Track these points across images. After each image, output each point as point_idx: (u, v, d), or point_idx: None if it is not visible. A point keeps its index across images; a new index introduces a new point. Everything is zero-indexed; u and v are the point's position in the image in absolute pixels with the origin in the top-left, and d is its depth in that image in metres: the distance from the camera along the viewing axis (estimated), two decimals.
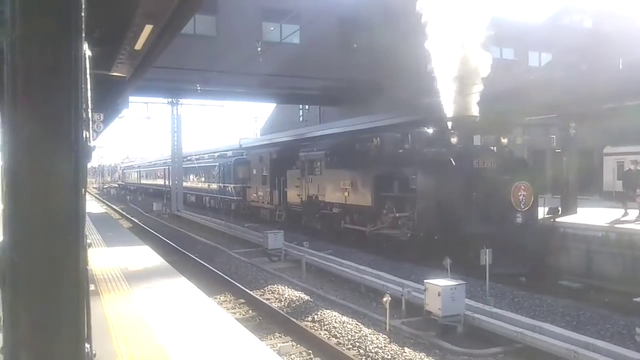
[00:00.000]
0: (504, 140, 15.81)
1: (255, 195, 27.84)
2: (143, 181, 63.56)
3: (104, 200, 52.78)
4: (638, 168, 16.17)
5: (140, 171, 67.63)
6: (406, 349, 8.27)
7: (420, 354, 8.07)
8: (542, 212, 15.48)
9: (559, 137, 18.51)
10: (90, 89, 2.10)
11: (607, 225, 14.24)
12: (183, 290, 8.37)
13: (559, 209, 16.48)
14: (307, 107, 38.60)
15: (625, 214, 15.40)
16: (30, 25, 1.37)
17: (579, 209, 17.45)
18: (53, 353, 1.30)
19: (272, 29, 24.43)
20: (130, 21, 5.97)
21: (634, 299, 11.46)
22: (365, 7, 27.62)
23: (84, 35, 1.50)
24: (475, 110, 15.55)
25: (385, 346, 8.42)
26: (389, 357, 7.98)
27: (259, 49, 19.64)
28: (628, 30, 33.15)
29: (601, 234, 13.94)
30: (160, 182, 50.89)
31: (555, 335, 8.09)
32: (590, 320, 10.11)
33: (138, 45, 7.14)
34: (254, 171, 27.98)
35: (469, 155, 14.88)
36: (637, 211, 15.33)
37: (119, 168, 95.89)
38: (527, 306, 11.08)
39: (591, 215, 16.12)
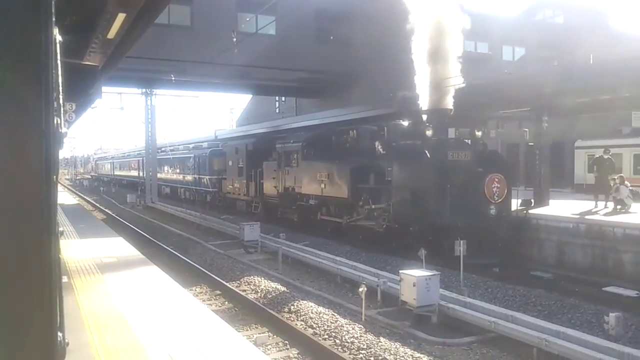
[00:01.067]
0: (478, 133, 16.00)
1: (231, 186, 27.70)
2: (117, 172, 62.72)
3: (77, 192, 51.94)
4: (608, 156, 16.42)
5: (113, 162, 66.70)
6: (381, 339, 8.35)
7: (396, 344, 8.15)
8: (515, 204, 15.71)
9: (532, 131, 18.78)
10: (62, 77, 2.06)
11: (577, 217, 14.53)
12: (158, 281, 8.30)
13: (532, 201, 16.75)
14: (283, 98, 38.48)
15: (596, 206, 15.71)
16: None
17: (550, 201, 17.78)
18: (26, 341, 1.28)
19: (247, 19, 24.25)
20: (102, 9, 5.86)
21: (603, 289, 11.78)
22: None
23: (54, 19, 1.47)
24: (450, 104, 15.69)
25: (360, 336, 8.48)
26: (365, 346, 8.04)
27: (235, 39, 19.50)
28: (599, 26, 33.79)
29: (572, 226, 14.23)
30: (134, 173, 50.27)
31: (528, 324, 8.25)
32: (561, 309, 10.32)
33: (111, 34, 7.00)
34: (230, 163, 27.80)
35: (443, 148, 15.02)
36: (604, 203, 15.65)
37: (92, 159, 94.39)
38: (501, 296, 11.26)
39: (563, 207, 16.44)
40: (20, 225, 1.30)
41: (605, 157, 16.45)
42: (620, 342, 7.88)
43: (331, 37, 27.80)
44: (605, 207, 15.39)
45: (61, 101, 1.74)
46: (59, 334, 1.39)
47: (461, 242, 11.42)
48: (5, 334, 1.26)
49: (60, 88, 1.72)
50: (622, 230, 12.98)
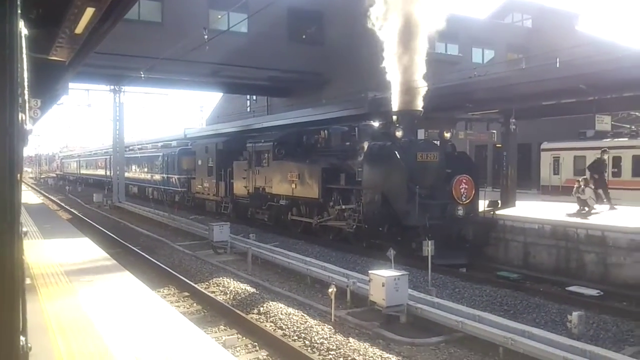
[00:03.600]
0: (447, 135, 16.20)
1: (200, 186, 27.42)
2: (83, 171, 61.51)
3: (41, 191, 50.75)
4: (604, 157, 16.46)
5: (80, 161, 65.39)
6: (351, 339, 8.37)
7: (365, 344, 8.18)
8: (482, 205, 15.95)
9: (500, 132, 19.10)
10: (27, 72, 2.00)
11: (543, 218, 14.81)
12: (125, 283, 8.15)
13: (499, 202, 17.03)
14: (254, 97, 38.28)
15: (593, 208, 15.57)
16: None
17: (517, 202, 18.10)
18: None
19: (219, 16, 24.06)
20: (70, 2, 5.71)
21: (567, 288, 12.05)
22: None
23: (19, 12, 1.42)
24: (419, 105, 15.82)
25: (330, 337, 8.49)
26: (334, 347, 8.04)
27: (206, 36, 19.29)
28: (566, 29, 34.55)
29: (537, 227, 14.51)
30: (101, 172, 49.38)
31: (494, 323, 8.37)
32: (526, 309, 10.53)
33: (79, 29, 6.84)
34: (199, 162, 27.52)
35: (412, 149, 15.15)
36: (579, 204, 15.84)
37: (58, 157, 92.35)
38: (468, 296, 11.41)
39: (529, 208, 16.74)
40: None
41: (605, 158, 16.57)
42: (583, 340, 8.08)
43: (303, 36, 27.81)
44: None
45: (26, 97, 1.69)
46: (22, 337, 1.34)
47: (429, 242, 11.53)
48: None
49: (26, 83, 1.67)
50: (585, 231, 13.30)
